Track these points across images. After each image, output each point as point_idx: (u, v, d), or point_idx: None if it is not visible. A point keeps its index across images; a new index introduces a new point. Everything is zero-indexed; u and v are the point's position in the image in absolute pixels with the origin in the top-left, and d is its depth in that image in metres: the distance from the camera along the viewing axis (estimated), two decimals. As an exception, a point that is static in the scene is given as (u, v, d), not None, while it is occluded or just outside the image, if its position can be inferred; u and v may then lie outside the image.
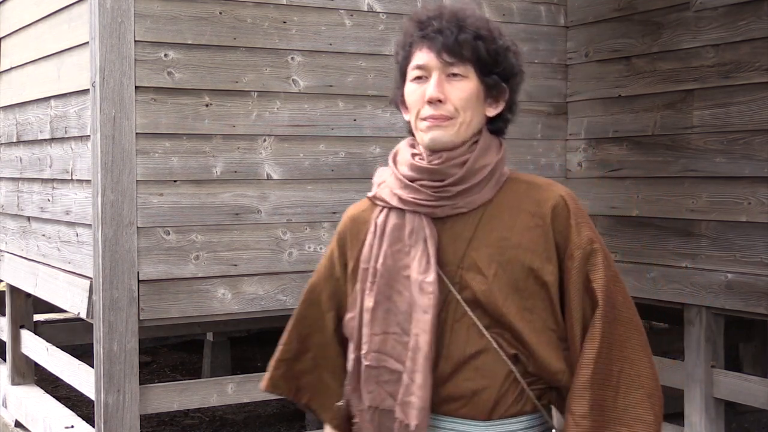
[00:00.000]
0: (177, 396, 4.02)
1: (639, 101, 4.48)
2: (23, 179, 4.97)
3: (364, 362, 1.98)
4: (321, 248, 4.12)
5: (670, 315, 5.32)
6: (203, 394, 4.08)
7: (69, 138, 4.21)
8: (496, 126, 2.03)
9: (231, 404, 5.71)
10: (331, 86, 4.12)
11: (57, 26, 4.36)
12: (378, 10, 4.27)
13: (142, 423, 4.04)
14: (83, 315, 3.90)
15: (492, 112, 2.02)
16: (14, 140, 5.12)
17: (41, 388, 5.48)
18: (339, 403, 2.09)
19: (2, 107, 5.37)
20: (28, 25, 4.83)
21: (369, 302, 1.98)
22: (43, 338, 5.29)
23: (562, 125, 4.82)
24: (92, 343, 3.86)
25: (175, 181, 3.85)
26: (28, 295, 5.35)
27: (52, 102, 4.44)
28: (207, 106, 3.90)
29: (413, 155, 2.01)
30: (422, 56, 1.96)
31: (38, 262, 4.70)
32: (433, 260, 1.93)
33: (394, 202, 1.99)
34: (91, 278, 3.85)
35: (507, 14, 4.62)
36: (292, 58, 4.05)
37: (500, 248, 1.93)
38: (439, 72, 1.94)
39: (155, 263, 3.81)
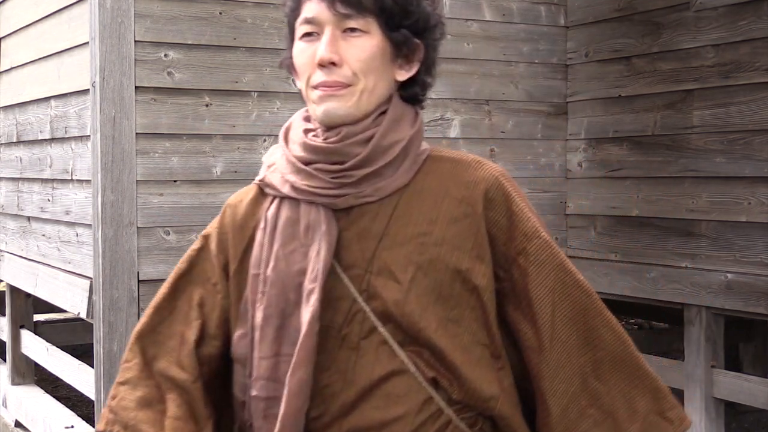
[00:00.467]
0: (177, 396, 4.01)
1: (639, 101, 4.48)
2: (23, 179, 4.97)
3: (251, 392, 1.59)
4: (321, 248, 4.11)
5: (670, 315, 5.32)
6: (203, 394, 4.07)
7: (69, 138, 4.21)
8: (409, 92, 1.64)
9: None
10: (331, 86, 4.11)
11: (57, 26, 4.36)
12: (378, 10, 4.26)
13: (142, 423, 4.04)
14: (83, 315, 3.90)
15: (403, 75, 1.62)
16: (14, 140, 5.12)
17: (41, 388, 5.48)
18: None
19: (2, 107, 5.37)
20: (28, 25, 4.83)
21: (258, 317, 1.58)
22: (43, 338, 5.29)
23: (562, 125, 4.81)
24: (92, 343, 3.86)
25: (175, 181, 3.85)
26: (28, 295, 5.35)
27: (52, 102, 4.44)
28: (207, 106, 3.90)
29: (306, 131, 1.61)
30: (312, 7, 1.56)
31: (38, 262, 4.70)
32: (322, 264, 1.53)
33: (286, 190, 1.59)
34: (91, 278, 3.85)
35: (507, 14, 4.62)
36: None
37: (419, 246, 1.55)
38: (332, 27, 1.54)
39: (155, 263, 3.81)
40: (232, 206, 1.72)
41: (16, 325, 5.50)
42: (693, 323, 4.27)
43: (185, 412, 1.61)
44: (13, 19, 5.12)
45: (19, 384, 5.50)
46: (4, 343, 5.66)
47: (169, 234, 3.84)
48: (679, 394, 4.34)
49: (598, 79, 4.68)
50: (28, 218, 4.88)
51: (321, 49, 1.54)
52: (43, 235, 4.61)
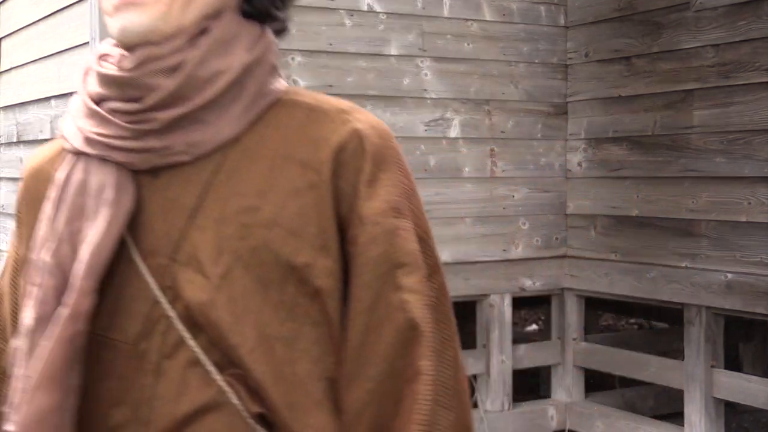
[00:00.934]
0: (177, 396, 4.01)
1: (639, 101, 4.49)
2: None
3: (8, 426, 1.09)
4: (321, 248, 4.12)
5: (670, 315, 5.32)
6: (203, 394, 4.07)
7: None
8: (256, 5, 1.16)
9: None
10: (331, 86, 4.12)
11: (57, 26, 4.36)
12: (378, 10, 4.26)
13: (142, 423, 4.04)
14: (83, 315, 3.88)
15: None
16: (14, 140, 5.12)
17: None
18: None
19: (2, 107, 5.37)
20: (28, 25, 4.83)
21: (28, 319, 1.10)
22: (43, 338, 5.28)
23: (562, 125, 4.81)
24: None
25: (175, 181, 3.85)
26: (28, 295, 5.33)
27: (53, 102, 4.44)
28: (207, 106, 3.90)
29: (101, 57, 1.15)
30: None
31: (38, 262, 4.70)
32: (91, 249, 1.08)
33: (78, 144, 1.15)
34: (91, 278, 3.84)
35: (507, 14, 4.62)
36: (292, 58, 4.05)
37: (241, 228, 1.09)
38: None
39: (155, 263, 3.80)
40: (30, 173, 1.27)
41: (16, 325, 5.49)
42: (693, 323, 4.27)
43: None
44: (13, 19, 5.13)
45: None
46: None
47: (169, 234, 3.84)
48: (679, 394, 4.34)
49: (598, 79, 4.68)
50: (28, 218, 4.88)
51: None
52: (43, 235, 4.61)
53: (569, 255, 4.78)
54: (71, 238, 1.11)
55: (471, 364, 4.56)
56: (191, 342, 1.07)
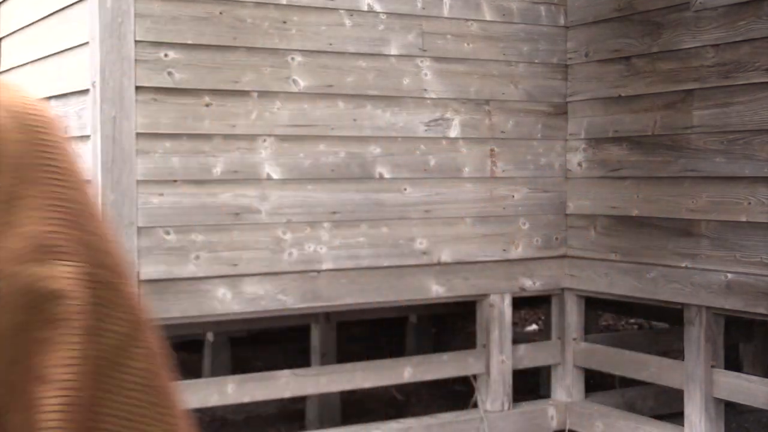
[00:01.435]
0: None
1: (639, 101, 4.49)
2: (23, 179, 4.97)
3: None
4: (321, 248, 4.12)
5: (670, 315, 5.32)
6: (203, 394, 4.08)
7: (69, 138, 4.20)
8: None
9: (231, 404, 5.70)
10: (331, 86, 4.12)
11: (57, 26, 4.36)
12: (378, 10, 4.27)
13: (142, 423, 4.04)
14: (83, 315, 3.89)
15: None
16: (14, 140, 5.12)
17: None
18: None
19: (2, 107, 5.36)
20: (28, 25, 4.83)
21: None
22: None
23: (562, 125, 4.81)
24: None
25: (175, 181, 3.85)
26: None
27: (52, 102, 4.44)
28: (207, 106, 3.90)
29: None
30: None
31: (38, 262, 4.70)
32: None
33: None
34: (91, 278, 3.85)
35: (507, 14, 4.62)
36: (292, 58, 4.05)
37: None
38: None
39: (155, 263, 3.81)
40: None
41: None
42: (693, 323, 4.27)
43: None
44: (13, 19, 5.12)
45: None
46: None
47: (169, 234, 3.84)
48: (679, 394, 4.34)
49: (598, 79, 4.68)
50: (28, 218, 4.88)
51: None
52: (43, 235, 4.61)
53: (569, 255, 4.78)
54: None
55: (471, 364, 4.56)
56: None
